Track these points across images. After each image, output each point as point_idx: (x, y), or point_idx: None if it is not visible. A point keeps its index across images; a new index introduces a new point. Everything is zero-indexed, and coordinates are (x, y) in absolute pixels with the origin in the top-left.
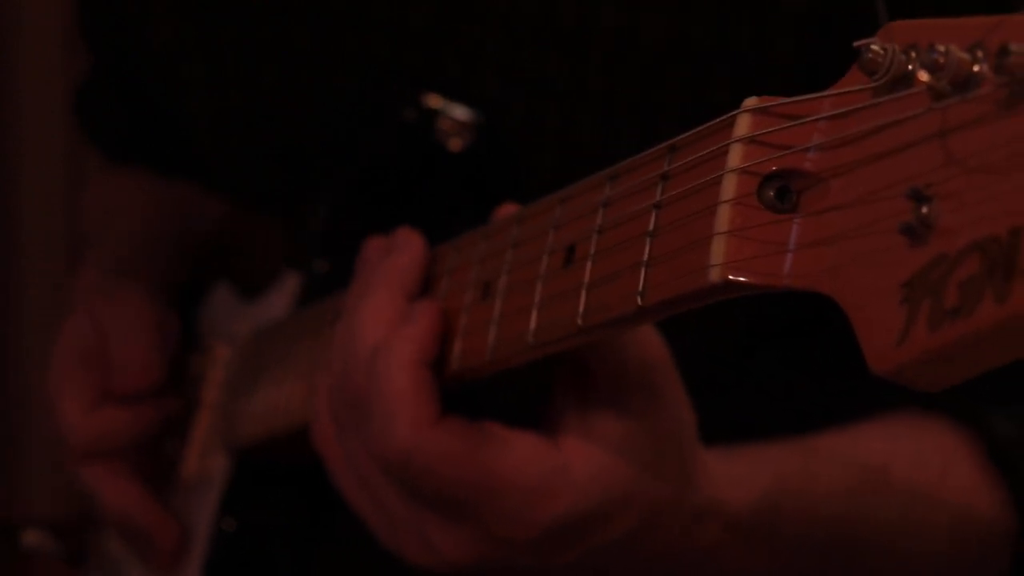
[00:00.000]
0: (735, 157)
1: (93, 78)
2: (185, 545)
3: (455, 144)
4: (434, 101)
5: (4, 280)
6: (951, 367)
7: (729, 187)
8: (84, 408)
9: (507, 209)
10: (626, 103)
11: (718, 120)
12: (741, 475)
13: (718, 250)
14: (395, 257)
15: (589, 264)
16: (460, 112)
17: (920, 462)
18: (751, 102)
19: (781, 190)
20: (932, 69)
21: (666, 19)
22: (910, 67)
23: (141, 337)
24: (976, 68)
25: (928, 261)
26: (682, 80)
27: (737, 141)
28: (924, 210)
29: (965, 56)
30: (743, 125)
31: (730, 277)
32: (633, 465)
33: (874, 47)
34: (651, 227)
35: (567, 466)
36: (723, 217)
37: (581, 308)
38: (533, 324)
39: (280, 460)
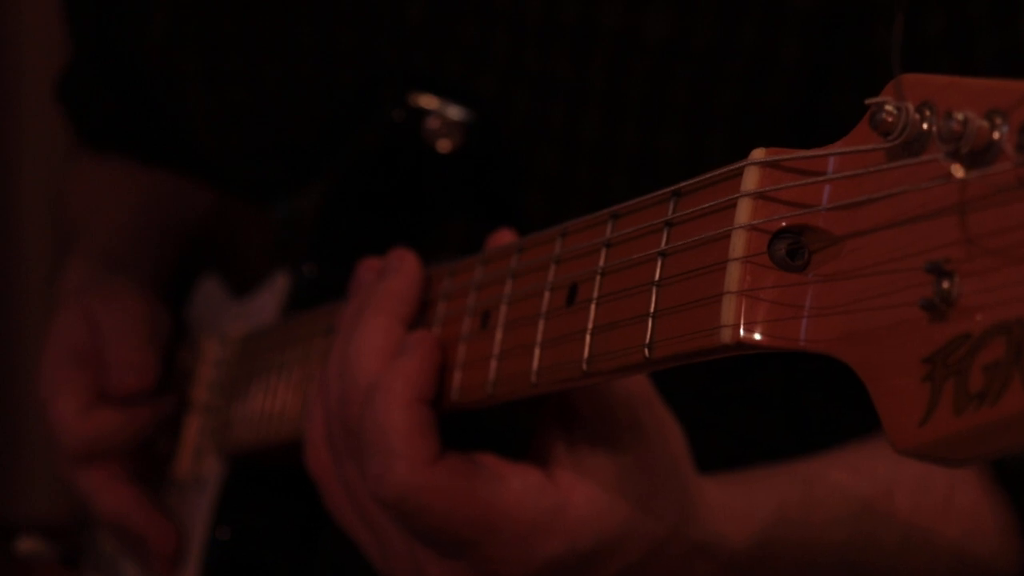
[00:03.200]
0: (744, 212)
1: (77, 65)
2: (181, 547)
3: (444, 145)
4: (423, 100)
5: (4, 280)
6: (977, 449)
7: (739, 244)
8: (77, 410)
9: (503, 236)
10: (629, 103)
11: (724, 170)
12: (741, 507)
13: (729, 310)
14: (390, 281)
15: (593, 307)
16: (451, 111)
17: (925, 485)
18: (758, 154)
19: (793, 247)
20: (949, 138)
21: (669, 19)
22: (925, 126)
23: (134, 336)
24: (996, 136)
25: (950, 339)
26: (685, 80)
27: (746, 195)
28: (945, 285)
29: (984, 124)
30: (751, 179)
31: (742, 339)
32: (628, 503)
33: (887, 107)
34: (657, 276)
35: (564, 504)
36: (733, 275)
37: (586, 354)
38: (536, 364)
39: (274, 463)
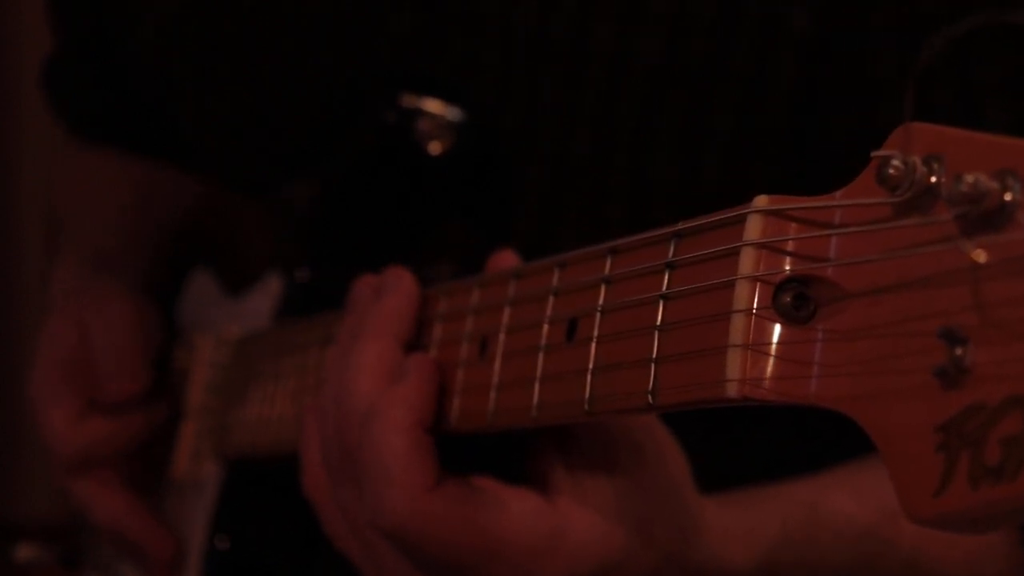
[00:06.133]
0: (747, 262)
1: (65, 55)
2: (181, 552)
3: (435, 147)
4: (415, 102)
5: (4, 280)
6: (994, 522)
7: (743, 295)
8: (70, 419)
9: (505, 257)
10: (620, 125)
11: (726, 215)
12: (744, 529)
13: (734, 364)
14: (386, 300)
15: (594, 347)
16: (443, 112)
17: None
18: (761, 202)
19: (798, 296)
20: (959, 201)
21: (661, 40)
22: (933, 179)
23: (126, 342)
24: (1008, 197)
25: (965, 408)
26: (678, 102)
27: (749, 244)
28: (958, 352)
29: (994, 185)
30: (754, 227)
31: (749, 394)
32: (629, 526)
33: (894, 162)
34: (659, 320)
35: (564, 529)
36: (738, 327)
37: (587, 394)
38: (536, 399)
39: (272, 465)
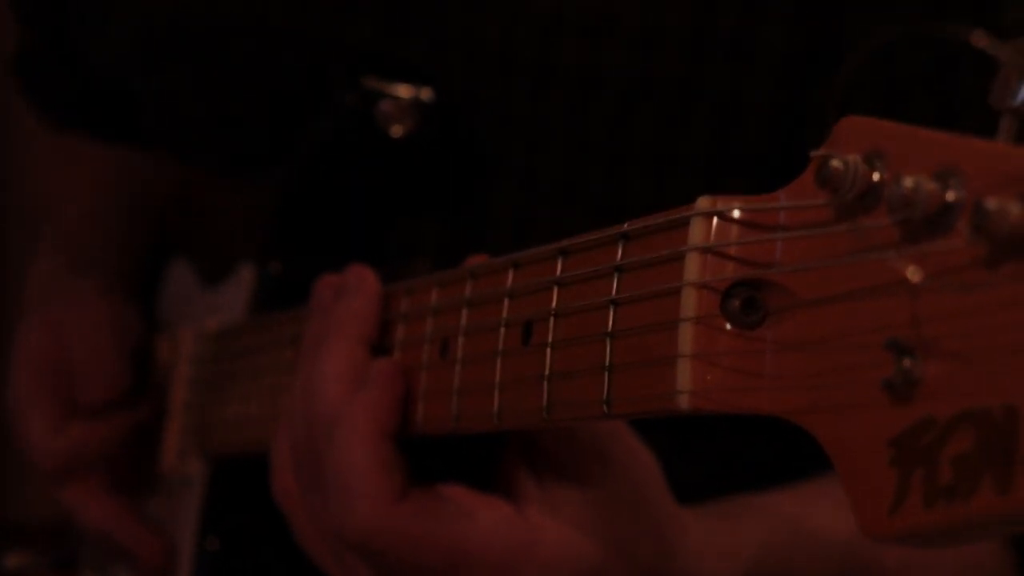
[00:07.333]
0: (692, 268)
1: (33, 48)
2: (172, 552)
3: (397, 130)
4: (377, 83)
5: (3, 280)
6: (950, 539)
7: (689, 302)
8: (51, 426)
9: (478, 260)
10: (590, 144)
11: (671, 216)
12: (726, 545)
13: (684, 375)
14: (348, 301)
15: (549, 352)
16: (406, 93)
17: None
18: (704, 203)
19: (748, 300)
20: (900, 205)
21: (632, 57)
22: (876, 177)
23: (103, 343)
24: (951, 198)
25: (915, 422)
26: (650, 121)
27: (693, 249)
28: (906, 364)
29: (935, 187)
30: (698, 230)
31: (699, 406)
32: (603, 538)
33: (834, 163)
34: (610, 327)
35: (536, 541)
36: (686, 336)
37: (544, 401)
38: (496, 406)
39: (259, 463)
